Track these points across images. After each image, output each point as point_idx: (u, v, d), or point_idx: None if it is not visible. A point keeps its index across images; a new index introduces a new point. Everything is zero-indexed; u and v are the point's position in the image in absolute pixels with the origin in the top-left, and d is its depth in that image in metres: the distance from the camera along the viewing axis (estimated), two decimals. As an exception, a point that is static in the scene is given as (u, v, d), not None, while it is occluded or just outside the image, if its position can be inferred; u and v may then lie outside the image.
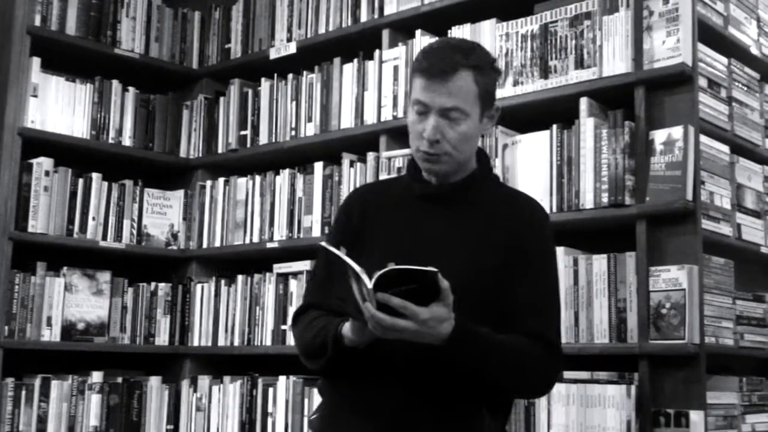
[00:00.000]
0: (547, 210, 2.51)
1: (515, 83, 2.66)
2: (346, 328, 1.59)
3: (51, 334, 3.17)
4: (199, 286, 3.46)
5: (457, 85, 1.66)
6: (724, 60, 2.59)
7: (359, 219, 1.79)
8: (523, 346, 1.64)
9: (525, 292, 1.67)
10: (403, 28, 2.99)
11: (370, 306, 1.47)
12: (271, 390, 3.09)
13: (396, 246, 1.69)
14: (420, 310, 1.47)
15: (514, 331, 1.65)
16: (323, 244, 1.61)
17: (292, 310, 2.94)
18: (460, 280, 1.59)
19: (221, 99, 3.56)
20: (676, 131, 2.36)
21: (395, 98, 2.94)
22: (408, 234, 1.72)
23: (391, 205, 1.79)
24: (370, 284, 1.45)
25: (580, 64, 2.54)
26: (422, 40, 2.89)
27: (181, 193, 3.60)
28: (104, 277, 3.34)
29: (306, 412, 2.96)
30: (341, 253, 1.50)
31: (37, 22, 3.23)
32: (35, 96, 3.21)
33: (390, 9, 3.01)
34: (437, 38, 2.85)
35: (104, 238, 3.34)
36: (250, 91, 3.45)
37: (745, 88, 2.70)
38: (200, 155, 3.60)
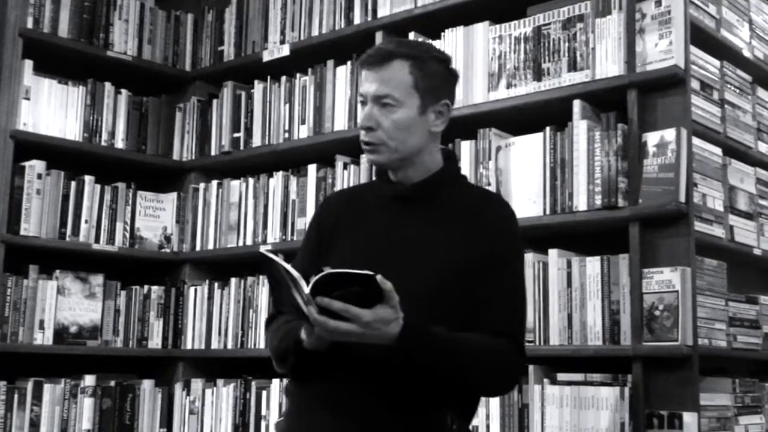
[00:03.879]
0: (540, 212, 2.53)
1: (508, 86, 2.66)
2: (303, 331, 1.60)
3: (43, 338, 3.16)
4: (192, 288, 3.45)
5: (390, 73, 1.70)
6: (717, 62, 2.60)
7: (331, 225, 1.80)
8: (484, 343, 1.64)
9: (493, 291, 1.68)
10: (397, 30, 2.99)
11: (312, 310, 1.48)
12: (264, 393, 3.09)
13: (366, 249, 1.70)
14: (362, 312, 1.47)
15: (481, 329, 1.65)
16: (262, 250, 1.62)
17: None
18: (431, 281, 1.61)
19: (214, 101, 3.56)
20: (669, 133, 2.37)
21: (388, 101, 2.93)
22: (377, 237, 1.73)
23: (361, 210, 1.80)
24: (307, 289, 1.46)
25: (573, 66, 2.54)
26: (415, 42, 2.89)
27: (174, 195, 3.59)
28: (97, 280, 3.33)
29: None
30: (279, 259, 1.51)
31: (30, 24, 3.22)
32: (27, 98, 3.20)
33: (383, 11, 3.01)
34: (432, 41, 2.86)
35: (97, 240, 3.33)
36: (243, 94, 3.45)
37: (738, 91, 2.70)
38: (193, 158, 3.60)
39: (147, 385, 3.38)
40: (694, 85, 2.45)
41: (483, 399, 2.52)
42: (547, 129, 2.55)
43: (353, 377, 1.62)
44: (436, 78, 1.75)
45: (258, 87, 3.38)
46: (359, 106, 1.76)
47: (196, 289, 3.44)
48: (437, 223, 1.72)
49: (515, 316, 1.72)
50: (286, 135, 3.25)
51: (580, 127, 2.48)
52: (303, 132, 3.20)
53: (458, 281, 1.66)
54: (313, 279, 1.46)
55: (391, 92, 1.69)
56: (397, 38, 1.75)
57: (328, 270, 1.46)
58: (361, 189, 2.00)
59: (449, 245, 1.69)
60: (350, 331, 1.48)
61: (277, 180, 3.25)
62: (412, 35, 2.90)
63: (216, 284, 3.37)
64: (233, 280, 3.31)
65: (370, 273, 1.46)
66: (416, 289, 1.57)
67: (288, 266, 1.49)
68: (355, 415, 1.61)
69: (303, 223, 3.12)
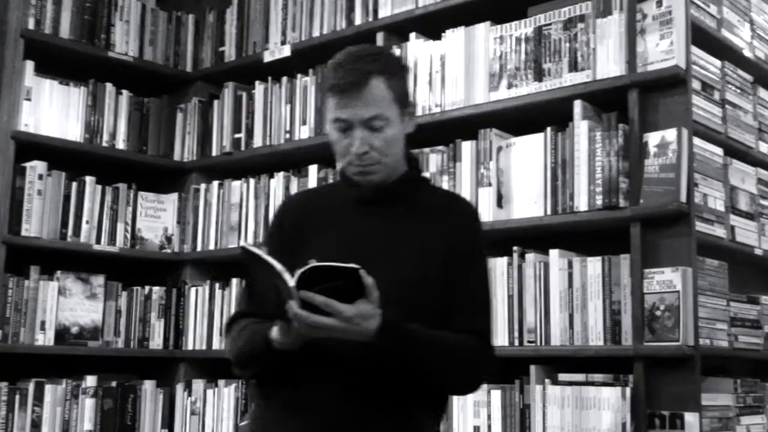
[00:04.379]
0: (541, 213, 2.53)
1: (509, 86, 2.66)
2: (275, 331, 1.58)
3: (45, 338, 3.16)
4: (193, 289, 3.45)
5: (373, 93, 1.66)
6: (718, 62, 2.60)
7: (293, 227, 1.78)
8: (456, 341, 1.64)
9: (462, 290, 1.69)
10: (398, 30, 2.99)
11: (293, 304, 1.46)
12: (265, 393, 3.08)
13: (332, 252, 1.67)
14: (344, 307, 1.47)
15: (450, 328, 1.65)
16: (243, 245, 1.60)
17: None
18: (397, 281, 1.60)
19: (215, 102, 3.56)
20: (670, 134, 2.37)
21: (389, 101, 2.93)
22: (344, 239, 1.72)
23: (326, 212, 1.79)
24: (292, 282, 1.45)
25: (574, 66, 2.54)
26: (416, 43, 2.89)
27: (175, 196, 3.59)
28: (98, 280, 3.33)
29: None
30: (263, 253, 1.50)
31: (31, 25, 3.22)
32: (29, 99, 3.20)
33: (384, 12, 3.01)
34: (433, 41, 2.86)
35: (98, 241, 3.33)
36: (244, 94, 3.45)
37: (739, 91, 2.70)
38: (194, 158, 3.60)
39: (148, 385, 3.38)
40: (695, 85, 2.45)
41: (484, 399, 2.52)
42: (548, 129, 2.55)
43: (324, 381, 1.61)
44: (404, 82, 1.76)
45: (259, 87, 3.38)
46: (331, 132, 1.71)
47: (197, 290, 3.44)
48: (404, 224, 1.72)
49: (483, 313, 1.73)
50: (287, 135, 3.25)
51: (581, 127, 2.48)
52: (304, 132, 3.20)
53: (426, 281, 1.66)
54: (299, 271, 1.45)
55: (379, 112, 1.66)
56: (354, 50, 1.70)
57: (312, 263, 1.45)
58: (322, 190, 1.99)
59: (416, 246, 1.69)
60: (332, 325, 1.47)
61: (278, 180, 3.25)
62: (413, 36, 2.90)
63: (217, 285, 3.37)
64: (234, 281, 3.31)
65: (355, 266, 1.45)
66: (386, 290, 1.56)
67: (272, 259, 1.48)
68: (326, 421, 1.60)
69: (304, 223, 3.12)
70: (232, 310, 3.25)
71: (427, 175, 2.60)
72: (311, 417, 1.60)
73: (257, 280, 1.57)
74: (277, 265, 1.47)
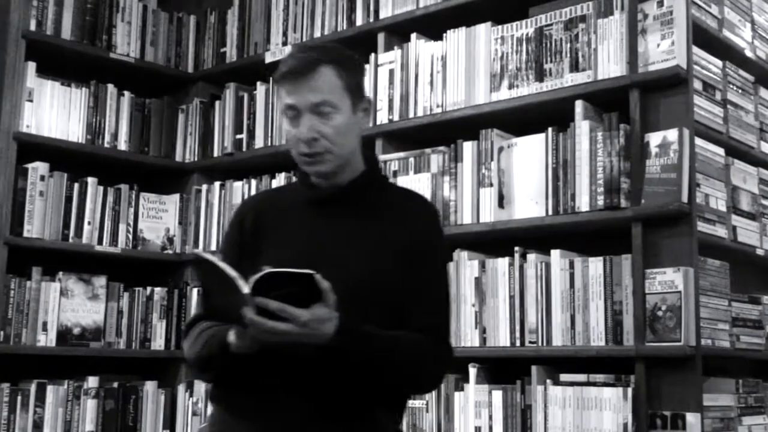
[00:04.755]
0: (543, 213, 2.53)
1: (510, 86, 2.66)
2: (232, 335, 1.58)
3: (47, 339, 3.16)
4: (195, 290, 3.45)
5: (321, 80, 1.67)
6: (719, 62, 2.60)
7: (251, 229, 1.77)
8: (413, 341, 1.64)
9: (417, 289, 1.68)
10: (399, 31, 2.99)
11: (248, 311, 1.46)
12: (267, 394, 3.08)
13: (290, 254, 1.69)
14: (300, 312, 1.46)
15: (407, 327, 1.65)
16: (196, 252, 1.60)
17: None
18: (356, 282, 1.60)
19: (217, 103, 3.56)
20: (671, 134, 2.37)
21: (391, 102, 2.94)
22: (299, 240, 1.72)
23: (284, 213, 1.78)
24: (246, 289, 1.45)
25: (575, 67, 2.54)
26: (417, 43, 2.90)
27: (176, 197, 3.60)
28: (100, 281, 3.34)
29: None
30: (216, 260, 1.49)
31: (33, 26, 3.23)
32: (30, 100, 3.21)
33: (385, 12, 3.01)
34: (434, 42, 2.86)
35: (100, 242, 3.33)
36: (245, 95, 3.45)
37: (740, 91, 2.70)
38: (196, 159, 3.60)
39: (150, 386, 3.38)
40: (697, 85, 2.45)
41: (485, 400, 2.52)
42: (550, 129, 2.55)
43: (280, 386, 1.60)
44: (358, 76, 1.75)
45: (260, 88, 3.38)
46: (284, 122, 1.72)
47: (198, 291, 3.44)
48: (359, 224, 1.72)
49: (439, 312, 1.72)
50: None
51: (582, 127, 2.48)
52: (305, 133, 3.19)
53: (384, 280, 1.66)
54: (253, 278, 1.44)
55: (327, 98, 1.66)
56: (304, 45, 1.73)
57: (267, 269, 1.45)
58: (280, 191, 1.98)
59: (370, 246, 1.68)
60: (287, 331, 1.47)
61: (279, 181, 3.25)
62: (413, 36, 2.90)
63: (219, 285, 3.37)
64: (236, 282, 3.30)
65: (310, 272, 1.45)
66: (344, 291, 1.56)
67: (225, 266, 1.47)
68: (282, 426, 1.59)
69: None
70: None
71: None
72: (267, 422, 1.60)
73: (213, 286, 1.56)
74: (231, 272, 1.46)
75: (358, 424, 1.61)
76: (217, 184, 3.48)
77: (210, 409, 1.77)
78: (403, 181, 2.82)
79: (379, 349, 1.59)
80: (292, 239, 1.72)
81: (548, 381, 2.43)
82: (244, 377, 1.63)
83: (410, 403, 2.67)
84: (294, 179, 1.89)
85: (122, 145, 3.46)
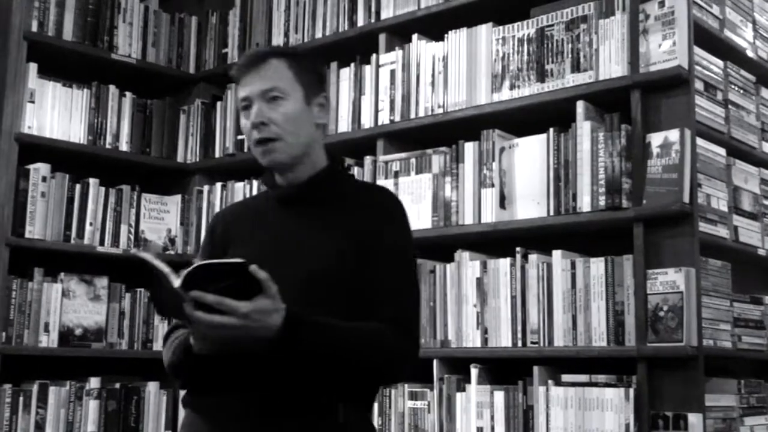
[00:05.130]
0: (544, 213, 2.53)
1: (512, 87, 2.66)
2: (191, 336, 1.59)
3: (48, 340, 3.16)
4: (196, 290, 3.45)
5: (270, 70, 1.72)
6: (720, 63, 2.59)
7: (221, 239, 1.80)
8: (370, 330, 1.61)
9: (378, 280, 1.66)
10: (400, 32, 2.99)
11: (187, 306, 1.45)
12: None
13: (251, 253, 1.68)
14: (239, 304, 1.45)
15: (368, 316, 1.63)
16: (133, 251, 1.60)
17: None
18: (316, 274, 1.60)
19: (218, 103, 3.57)
20: (673, 134, 2.37)
21: (392, 102, 2.94)
22: (264, 239, 1.73)
23: (251, 218, 1.80)
24: (177, 283, 1.43)
25: (576, 67, 2.54)
26: (419, 44, 2.90)
27: (178, 197, 3.60)
28: (102, 282, 3.34)
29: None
30: (151, 258, 1.49)
31: (34, 27, 3.23)
32: (32, 101, 3.21)
33: (387, 13, 3.01)
34: (435, 42, 2.87)
35: (101, 243, 3.34)
36: (247, 96, 3.45)
37: (741, 91, 2.70)
38: (197, 160, 3.60)
39: (152, 387, 3.38)
40: (698, 85, 2.45)
41: (487, 400, 2.52)
42: (551, 130, 2.55)
43: (239, 383, 1.61)
44: (313, 72, 1.78)
45: (262, 89, 3.38)
46: (242, 114, 1.75)
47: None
48: (321, 220, 1.72)
49: (400, 302, 1.68)
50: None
51: (583, 128, 2.48)
52: (307, 134, 3.19)
53: (346, 275, 1.65)
54: (184, 272, 1.43)
55: (275, 85, 1.70)
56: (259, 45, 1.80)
57: (198, 262, 1.44)
58: (252, 200, 2.00)
59: (335, 238, 1.68)
60: (229, 323, 1.45)
61: (281, 182, 3.25)
62: (415, 37, 2.90)
63: (220, 286, 3.37)
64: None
65: (241, 261, 1.43)
66: (304, 283, 1.56)
67: (158, 262, 1.46)
68: (239, 423, 1.59)
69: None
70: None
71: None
72: (228, 421, 1.60)
73: (161, 284, 1.56)
74: (164, 268, 1.45)
75: (314, 416, 1.59)
76: (218, 184, 3.49)
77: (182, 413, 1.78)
78: (404, 182, 2.83)
79: (332, 339, 1.57)
80: (255, 239, 1.74)
81: (550, 381, 2.43)
82: (207, 379, 1.64)
83: (411, 403, 2.68)
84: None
85: (124, 146, 3.47)
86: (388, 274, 1.68)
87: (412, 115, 2.88)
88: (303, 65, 1.76)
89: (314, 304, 1.57)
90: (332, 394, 1.61)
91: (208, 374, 1.63)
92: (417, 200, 2.80)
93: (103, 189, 3.36)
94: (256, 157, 1.76)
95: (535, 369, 2.45)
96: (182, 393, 1.78)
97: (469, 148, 2.71)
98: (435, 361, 2.66)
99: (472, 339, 2.62)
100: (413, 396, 2.69)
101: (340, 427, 1.61)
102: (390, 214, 1.75)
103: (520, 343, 2.52)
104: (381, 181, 2.85)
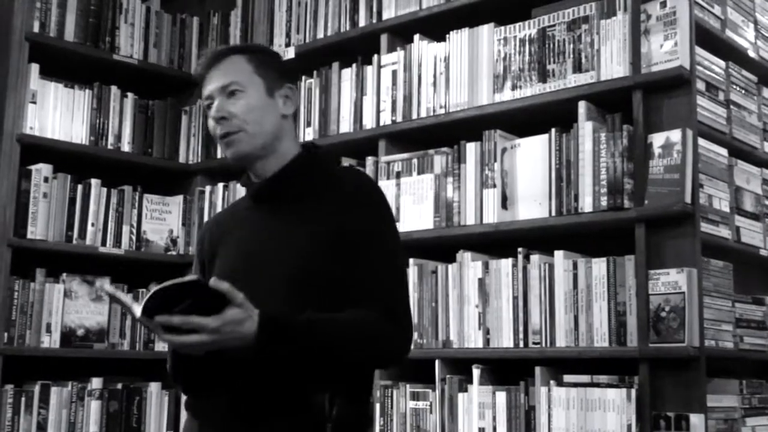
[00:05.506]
0: (546, 214, 2.52)
1: (513, 87, 2.66)
2: None
3: (50, 341, 3.16)
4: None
5: (229, 65, 1.73)
6: (722, 63, 2.59)
7: (210, 244, 1.81)
8: (354, 320, 1.59)
9: (359, 266, 1.63)
10: (402, 32, 2.99)
11: (157, 330, 1.47)
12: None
13: (234, 259, 1.71)
14: (206, 320, 1.44)
15: (352, 304, 1.60)
16: (105, 288, 1.63)
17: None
18: (296, 273, 1.60)
19: (220, 104, 3.56)
20: (675, 134, 2.37)
21: (394, 102, 2.94)
22: (243, 243, 1.73)
23: (232, 223, 1.81)
24: (138, 313, 1.44)
25: (578, 68, 2.54)
26: (421, 44, 2.90)
27: (180, 198, 3.60)
28: (103, 283, 3.34)
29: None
30: (115, 291, 1.53)
31: (36, 28, 3.23)
32: (34, 102, 3.21)
33: (388, 14, 3.01)
34: (437, 43, 2.87)
35: (103, 244, 3.34)
36: (248, 97, 3.45)
37: (743, 91, 2.70)
38: (199, 160, 3.60)
39: (154, 387, 3.38)
40: (700, 85, 2.45)
41: (489, 401, 2.52)
42: (553, 130, 2.55)
43: (222, 390, 1.62)
44: (274, 65, 1.79)
45: (263, 90, 3.38)
46: (208, 114, 1.75)
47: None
48: (299, 213, 1.69)
49: (387, 287, 1.64)
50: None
51: (585, 128, 2.48)
52: (308, 134, 3.20)
53: (328, 266, 1.62)
54: (142, 302, 1.44)
55: (234, 79, 1.71)
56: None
57: (154, 288, 1.44)
58: (234, 204, 1.99)
59: (305, 234, 1.65)
60: (199, 341, 1.45)
61: (282, 182, 3.25)
62: (416, 37, 2.90)
63: (222, 287, 3.37)
64: (239, 283, 3.31)
65: (194, 278, 1.45)
66: (285, 284, 1.56)
67: (121, 294, 1.51)
68: (228, 423, 1.61)
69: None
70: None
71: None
72: (222, 422, 1.62)
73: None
74: (126, 300, 1.49)
75: (304, 413, 1.58)
76: (220, 185, 3.49)
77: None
78: (406, 182, 2.83)
79: (314, 335, 1.55)
80: (235, 244, 1.74)
81: (552, 382, 2.43)
82: (199, 382, 1.66)
83: (413, 404, 2.68)
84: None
85: (125, 147, 3.47)
86: (370, 259, 1.64)
87: (414, 116, 2.88)
88: (262, 59, 1.77)
89: (300, 302, 1.57)
90: (321, 389, 1.59)
91: (200, 378, 1.65)
92: (419, 201, 2.80)
93: (105, 190, 3.37)
94: (223, 152, 1.77)
95: (537, 369, 2.45)
96: (184, 397, 1.80)
97: (471, 149, 2.71)
98: (437, 362, 2.66)
99: (474, 339, 2.62)
100: (415, 396, 2.69)
101: (331, 422, 1.58)
102: (362, 197, 1.70)
103: (522, 344, 2.52)
104: (383, 182, 2.85)
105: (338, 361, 1.60)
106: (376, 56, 3.02)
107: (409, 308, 1.69)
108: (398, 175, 2.85)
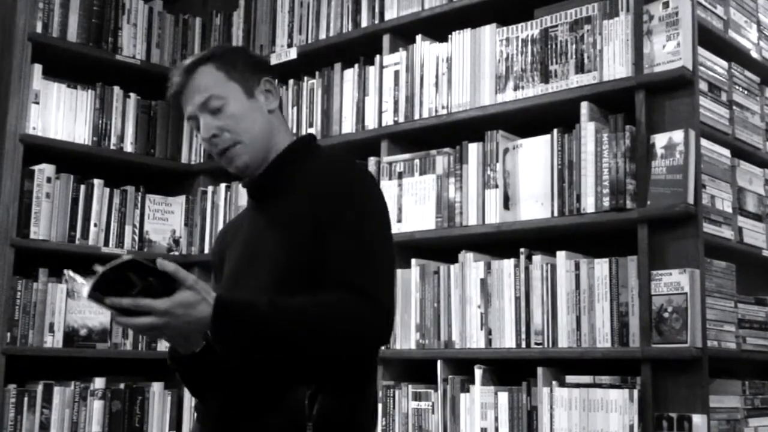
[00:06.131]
0: (548, 214, 2.52)
1: (516, 88, 2.66)
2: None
3: (53, 341, 3.17)
4: (201, 291, 3.45)
5: (200, 79, 1.69)
6: (725, 64, 2.59)
7: (220, 251, 1.83)
8: (321, 298, 1.53)
9: (334, 249, 1.57)
10: (404, 33, 2.99)
11: (112, 313, 1.47)
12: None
13: (233, 262, 1.72)
14: (155, 302, 1.42)
15: (327, 287, 1.55)
16: (66, 272, 1.63)
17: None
18: (282, 267, 1.58)
19: (222, 105, 3.57)
20: (677, 135, 2.37)
21: (396, 103, 2.94)
22: (241, 243, 1.74)
23: (238, 225, 1.81)
24: (85, 293, 1.43)
25: (580, 68, 2.54)
26: (423, 45, 2.90)
27: (182, 198, 3.60)
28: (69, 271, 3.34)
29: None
30: (74, 276, 1.52)
31: (39, 29, 3.24)
32: (37, 103, 3.22)
33: (390, 14, 3.02)
34: (439, 43, 2.87)
35: (106, 244, 3.34)
36: (251, 97, 3.45)
37: (746, 92, 2.70)
38: (201, 161, 3.61)
39: (156, 387, 3.39)
40: (702, 86, 2.45)
41: (491, 401, 2.52)
42: (555, 131, 2.55)
43: (215, 391, 1.64)
44: (244, 63, 1.74)
45: (266, 90, 3.38)
46: (195, 134, 1.76)
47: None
48: (290, 207, 1.66)
49: (365, 268, 1.56)
50: (294, 138, 3.25)
51: (587, 128, 2.48)
52: (311, 135, 3.20)
53: (307, 258, 1.58)
54: (90, 283, 1.42)
55: (211, 93, 1.67)
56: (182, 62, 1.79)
57: (98, 269, 1.42)
58: (245, 209, 1.96)
59: (292, 225, 1.62)
60: (149, 323, 1.43)
61: (285, 183, 3.25)
62: (419, 38, 2.90)
63: (224, 287, 3.38)
64: (242, 283, 3.31)
65: (129, 257, 1.42)
66: (274, 278, 1.56)
67: (80, 278, 1.48)
68: (217, 421, 1.63)
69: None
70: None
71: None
72: (216, 422, 1.64)
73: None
74: (79, 280, 1.48)
75: (286, 410, 1.55)
76: (222, 185, 3.49)
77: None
78: (408, 183, 2.83)
79: (276, 314, 1.49)
80: (237, 246, 1.75)
81: (554, 382, 2.42)
82: (196, 385, 1.69)
83: (415, 404, 2.68)
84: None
85: (128, 147, 3.47)
86: (348, 241, 1.58)
87: (416, 116, 2.88)
88: (230, 60, 1.72)
89: (287, 295, 1.55)
90: (302, 385, 1.54)
91: (195, 380, 1.68)
92: (421, 201, 2.80)
93: (107, 190, 3.37)
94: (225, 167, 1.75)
95: (539, 370, 2.45)
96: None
97: (473, 149, 2.71)
98: (439, 362, 2.66)
99: (476, 340, 2.62)
100: (417, 397, 2.69)
101: (312, 421, 1.53)
102: (337, 185, 1.64)
103: (524, 344, 2.52)
104: (385, 182, 2.85)
105: (309, 343, 1.51)
106: (378, 57, 3.02)
107: (388, 288, 1.60)
108: (400, 176, 2.85)
